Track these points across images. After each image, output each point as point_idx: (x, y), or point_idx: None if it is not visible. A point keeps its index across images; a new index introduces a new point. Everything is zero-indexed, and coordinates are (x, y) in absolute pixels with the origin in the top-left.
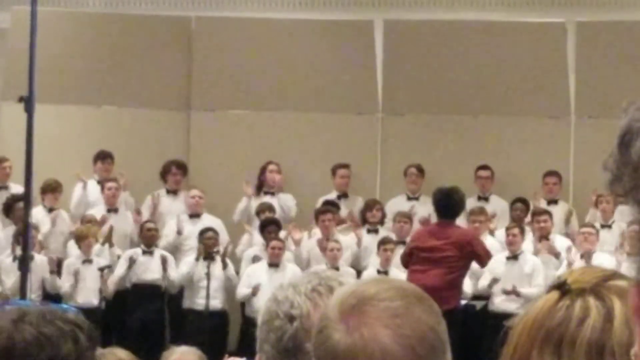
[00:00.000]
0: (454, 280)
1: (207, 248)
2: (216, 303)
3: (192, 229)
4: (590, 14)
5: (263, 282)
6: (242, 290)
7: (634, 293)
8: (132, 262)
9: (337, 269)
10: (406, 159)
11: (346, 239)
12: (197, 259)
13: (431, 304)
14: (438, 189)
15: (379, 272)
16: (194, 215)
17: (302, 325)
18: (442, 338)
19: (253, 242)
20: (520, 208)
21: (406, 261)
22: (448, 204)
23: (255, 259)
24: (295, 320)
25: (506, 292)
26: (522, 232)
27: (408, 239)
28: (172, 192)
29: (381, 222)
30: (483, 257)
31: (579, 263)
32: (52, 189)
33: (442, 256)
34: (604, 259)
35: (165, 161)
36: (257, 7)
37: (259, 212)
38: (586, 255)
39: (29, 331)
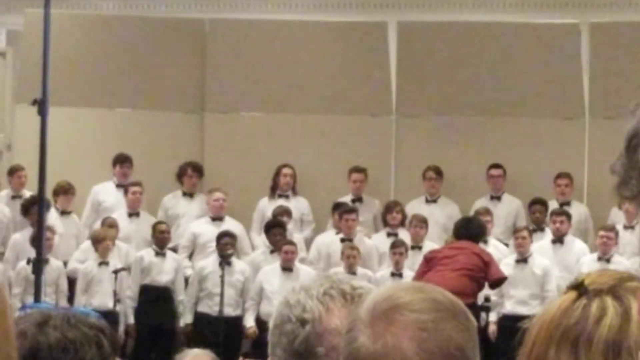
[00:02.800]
0: (473, 288)
1: (222, 252)
2: (230, 311)
3: (214, 232)
4: (604, 15)
5: (275, 287)
6: (248, 304)
7: None
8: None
9: (354, 273)
10: (420, 160)
11: (369, 242)
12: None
13: (466, 320)
14: (460, 218)
15: (393, 274)
16: (217, 219)
17: (314, 329)
18: (469, 357)
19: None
20: (539, 210)
21: (422, 271)
22: (467, 226)
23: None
24: (307, 324)
25: None
26: (531, 234)
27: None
28: (189, 194)
29: (402, 223)
30: (495, 282)
31: (596, 266)
32: (65, 190)
33: (459, 264)
34: (623, 263)
35: (181, 163)
36: (271, 9)
37: (275, 215)
38: (604, 259)
39: (53, 335)
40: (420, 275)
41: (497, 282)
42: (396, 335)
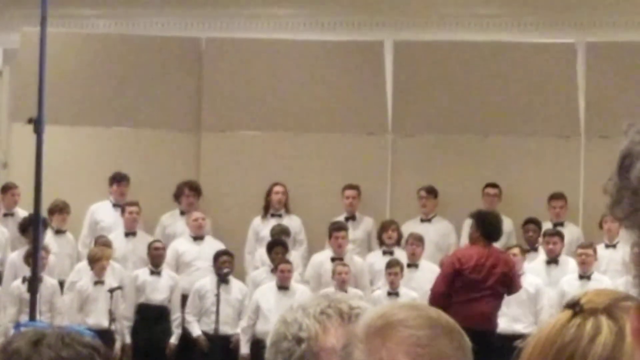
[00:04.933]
0: (500, 304)
1: (219, 271)
2: (227, 329)
3: (197, 251)
4: (600, 35)
5: (271, 306)
6: (245, 324)
7: (634, 315)
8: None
9: (345, 292)
10: (416, 179)
11: (359, 260)
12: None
13: (461, 338)
14: (478, 210)
15: (389, 293)
16: (197, 238)
17: (310, 347)
18: None
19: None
20: (532, 229)
21: (448, 285)
22: (492, 223)
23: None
24: (303, 342)
25: None
26: (524, 253)
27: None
28: (186, 213)
29: (398, 243)
30: (516, 290)
31: (577, 284)
32: (60, 209)
33: (491, 285)
34: (603, 281)
35: (179, 182)
36: (267, 28)
37: (274, 234)
38: (585, 277)
39: (47, 354)
40: (444, 279)
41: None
42: (391, 351)
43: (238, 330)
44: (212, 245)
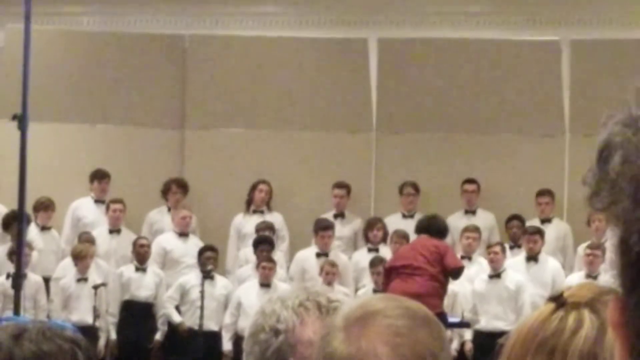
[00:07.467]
0: (436, 288)
1: (204, 267)
2: (212, 324)
3: (184, 247)
4: (585, 33)
5: (253, 302)
6: (228, 320)
7: (614, 308)
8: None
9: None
10: (400, 177)
11: (344, 258)
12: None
13: (439, 329)
14: (424, 216)
15: (374, 291)
16: (183, 234)
17: (287, 339)
18: None
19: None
20: (516, 225)
21: (385, 282)
22: (430, 223)
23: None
24: (280, 334)
25: None
26: (504, 249)
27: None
28: (173, 209)
29: (383, 240)
30: (452, 271)
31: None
32: (45, 207)
33: (419, 268)
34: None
35: (164, 179)
36: (251, 26)
37: (258, 230)
38: (592, 277)
39: (28, 347)
40: (385, 288)
41: (455, 271)
42: (370, 340)
43: (216, 327)
44: (196, 243)
